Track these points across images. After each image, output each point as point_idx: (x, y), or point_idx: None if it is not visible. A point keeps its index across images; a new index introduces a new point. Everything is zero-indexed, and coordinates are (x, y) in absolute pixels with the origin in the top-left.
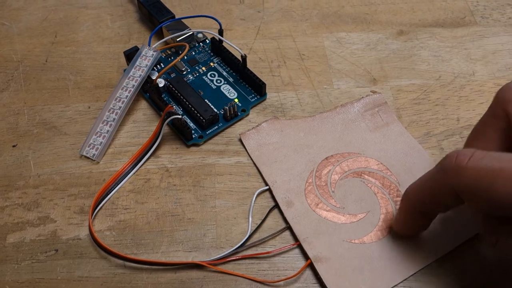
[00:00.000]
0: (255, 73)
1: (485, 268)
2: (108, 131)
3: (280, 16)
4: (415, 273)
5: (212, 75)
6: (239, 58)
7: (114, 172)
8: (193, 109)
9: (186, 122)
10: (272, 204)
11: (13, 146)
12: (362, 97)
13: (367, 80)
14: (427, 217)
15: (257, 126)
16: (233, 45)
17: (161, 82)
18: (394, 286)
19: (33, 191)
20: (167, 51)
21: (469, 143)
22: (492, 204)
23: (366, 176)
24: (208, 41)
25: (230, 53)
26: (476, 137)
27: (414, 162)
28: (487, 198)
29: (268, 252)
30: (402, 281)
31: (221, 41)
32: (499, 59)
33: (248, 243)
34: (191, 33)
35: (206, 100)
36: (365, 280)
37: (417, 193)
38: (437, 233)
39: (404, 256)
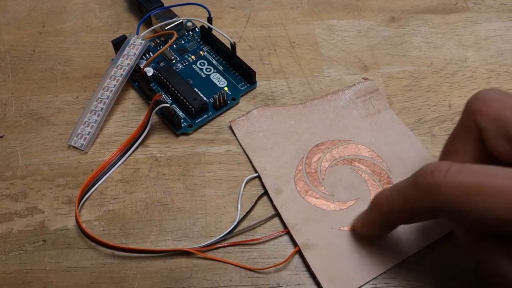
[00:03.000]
0: (245, 61)
1: None
2: (96, 120)
3: (270, 4)
4: (404, 259)
5: (202, 64)
6: (229, 46)
7: (103, 162)
8: (182, 97)
9: (174, 111)
10: (262, 191)
11: (0, 137)
12: (354, 84)
13: (358, 68)
14: (394, 225)
15: (247, 113)
16: (223, 33)
17: (149, 71)
18: (383, 273)
19: (20, 182)
20: (156, 40)
21: (443, 157)
22: (471, 220)
23: (356, 163)
24: (197, 30)
25: (220, 41)
26: (450, 151)
27: (405, 149)
28: (465, 215)
29: (257, 239)
30: (391, 268)
31: (210, 30)
32: (492, 45)
33: (237, 230)
34: (180, 21)
35: (195, 88)
36: (353, 267)
37: (389, 203)
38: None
39: (393, 243)
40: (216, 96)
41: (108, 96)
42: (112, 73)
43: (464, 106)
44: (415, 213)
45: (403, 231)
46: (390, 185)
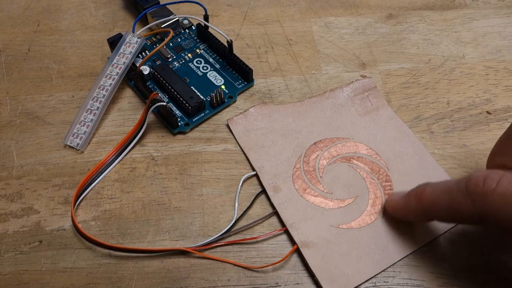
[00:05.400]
0: (242, 59)
1: (474, 252)
2: (92, 120)
3: (267, 1)
4: (403, 258)
5: (198, 62)
6: (226, 44)
7: (99, 161)
8: (178, 96)
9: (171, 109)
10: (259, 190)
11: None
12: (352, 81)
13: (356, 65)
14: (431, 220)
15: (245, 111)
16: (219, 31)
17: (146, 70)
18: (382, 271)
19: (16, 182)
20: (152, 38)
21: (492, 157)
22: None
23: (354, 161)
24: (193, 28)
25: (217, 39)
26: (500, 152)
27: (404, 147)
28: None
29: (255, 238)
30: (390, 266)
31: (207, 27)
32: (489, 42)
33: (235, 228)
34: (176, 19)
35: (192, 87)
36: (352, 265)
37: (433, 201)
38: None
39: (392, 241)
40: (213, 95)
41: (104, 95)
42: (108, 72)
43: None
44: (459, 217)
45: (402, 230)
46: (437, 182)
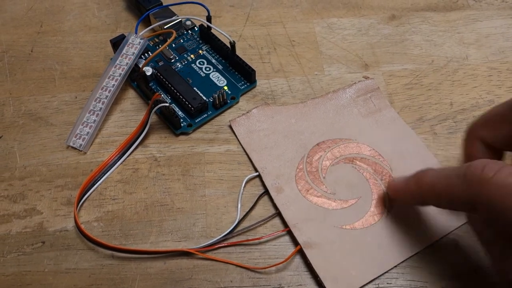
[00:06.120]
0: (245, 60)
1: (477, 254)
2: (95, 120)
3: (270, 2)
4: (407, 259)
5: (201, 63)
6: (228, 45)
7: (102, 162)
8: (181, 97)
9: (174, 110)
10: (262, 191)
11: None
12: (354, 82)
13: (358, 66)
14: (428, 204)
15: (247, 112)
16: (222, 32)
17: (148, 71)
18: (385, 272)
19: (19, 183)
20: (155, 39)
21: (475, 128)
22: (510, 222)
23: (358, 162)
24: (196, 29)
25: (219, 40)
26: (486, 125)
27: (407, 148)
28: (506, 216)
29: (258, 238)
30: (393, 267)
31: (209, 28)
32: (493, 43)
33: (237, 229)
34: (179, 20)
35: (194, 88)
36: (356, 266)
37: (432, 184)
38: (430, 219)
39: (396, 242)
40: (216, 95)
41: (107, 96)
42: (111, 73)
43: None
44: (454, 202)
45: (405, 231)
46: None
